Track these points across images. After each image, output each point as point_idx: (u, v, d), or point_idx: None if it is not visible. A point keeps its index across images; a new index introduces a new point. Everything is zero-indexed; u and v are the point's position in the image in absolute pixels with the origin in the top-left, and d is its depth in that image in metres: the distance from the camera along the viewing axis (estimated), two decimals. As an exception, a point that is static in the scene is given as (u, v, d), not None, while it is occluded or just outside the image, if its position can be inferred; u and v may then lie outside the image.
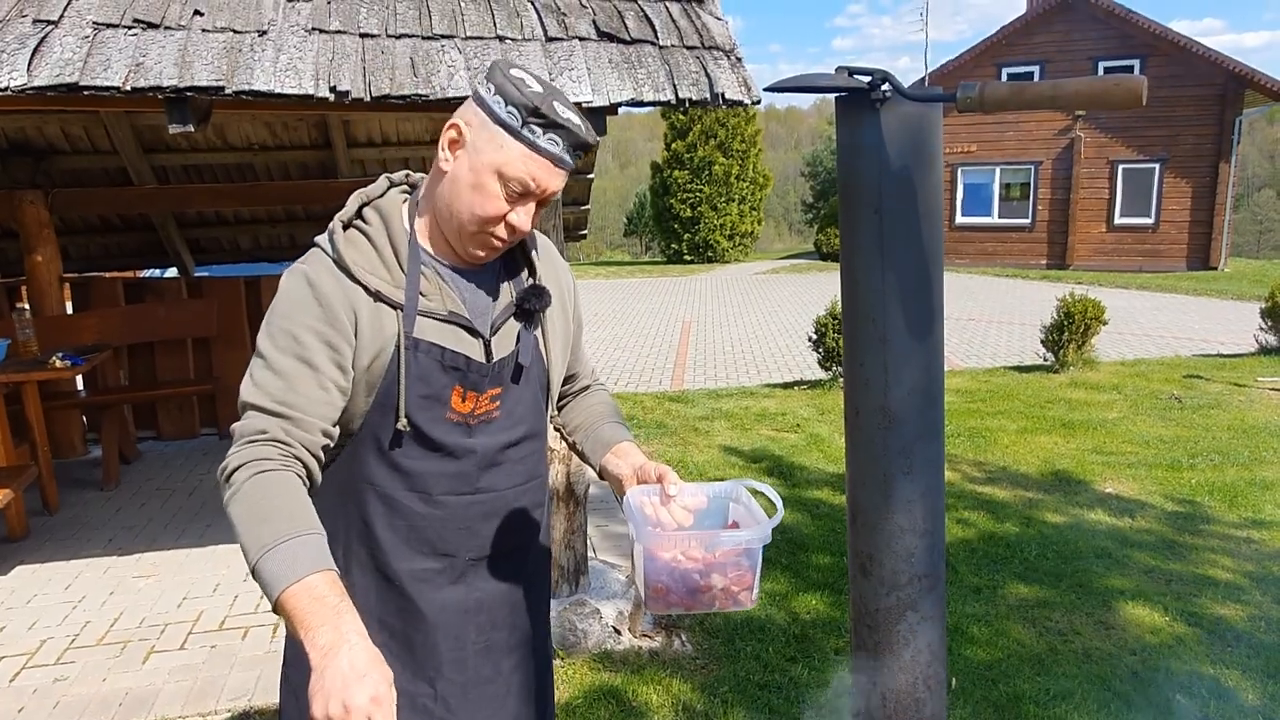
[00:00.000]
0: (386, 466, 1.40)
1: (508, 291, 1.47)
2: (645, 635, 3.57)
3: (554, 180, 1.34)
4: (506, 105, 1.29)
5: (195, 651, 3.47)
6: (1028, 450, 6.20)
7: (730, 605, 1.28)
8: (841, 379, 7.79)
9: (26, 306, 5.49)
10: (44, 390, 5.11)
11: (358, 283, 1.33)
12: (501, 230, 1.35)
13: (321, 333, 1.31)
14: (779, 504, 1.34)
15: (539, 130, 1.29)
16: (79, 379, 5.93)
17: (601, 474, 1.52)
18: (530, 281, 1.48)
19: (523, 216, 1.34)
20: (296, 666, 1.50)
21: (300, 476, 1.28)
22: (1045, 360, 9.03)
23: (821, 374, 8.51)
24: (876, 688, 1.24)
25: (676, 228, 26.02)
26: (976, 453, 6.18)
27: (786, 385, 8.70)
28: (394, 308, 1.35)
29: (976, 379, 8.71)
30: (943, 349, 1.18)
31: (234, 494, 1.22)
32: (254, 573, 1.16)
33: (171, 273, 7.46)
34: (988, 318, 13.36)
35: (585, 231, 7.04)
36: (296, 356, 1.30)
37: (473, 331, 1.41)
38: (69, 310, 6.13)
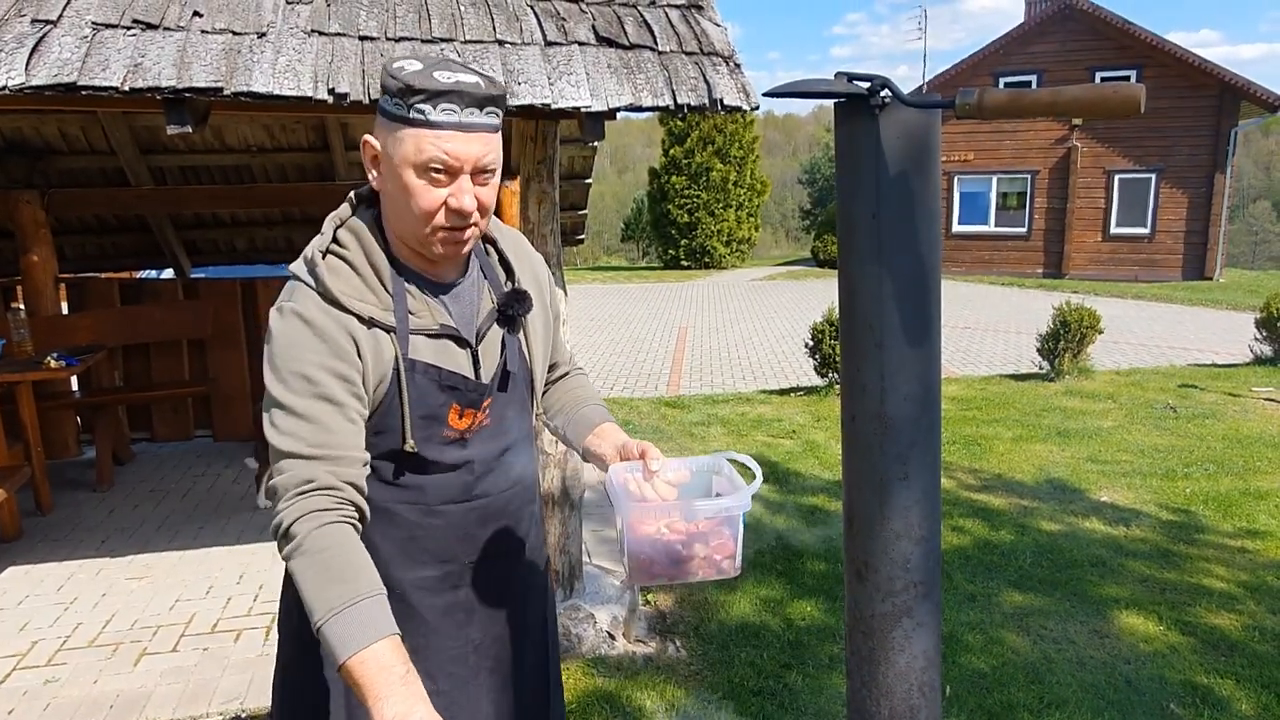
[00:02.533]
0: (383, 483, 1.40)
1: (488, 297, 1.46)
2: (640, 641, 3.56)
3: (472, 147, 1.27)
4: (391, 98, 1.26)
5: (187, 654, 3.46)
6: (1023, 458, 6.20)
7: (714, 573, 1.30)
8: (837, 386, 7.80)
9: (22, 306, 5.48)
10: (38, 391, 5.09)
11: (349, 312, 1.31)
12: (445, 218, 1.30)
13: (331, 367, 1.28)
14: (757, 471, 1.35)
15: (427, 107, 1.24)
16: (74, 380, 5.91)
17: (585, 456, 1.53)
18: (510, 286, 1.47)
19: (464, 197, 1.28)
20: (294, 669, 1.50)
21: (355, 523, 1.27)
22: (1041, 369, 9.04)
23: (818, 380, 8.52)
24: (872, 694, 1.24)
25: (674, 233, 26.06)
26: (972, 461, 6.18)
27: (782, 391, 8.70)
28: (387, 331, 1.34)
29: (972, 387, 8.72)
30: (940, 355, 1.18)
31: (295, 549, 1.21)
32: (319, 633, 1.16)
33: (168, 274, 7.45)
34: (983, 326, 13.39)
35: (583, 236, 7.05)
36: (316, 396, 1.27)
37: (460, 341, 1.40)
38: (64, 311, 6.12)
